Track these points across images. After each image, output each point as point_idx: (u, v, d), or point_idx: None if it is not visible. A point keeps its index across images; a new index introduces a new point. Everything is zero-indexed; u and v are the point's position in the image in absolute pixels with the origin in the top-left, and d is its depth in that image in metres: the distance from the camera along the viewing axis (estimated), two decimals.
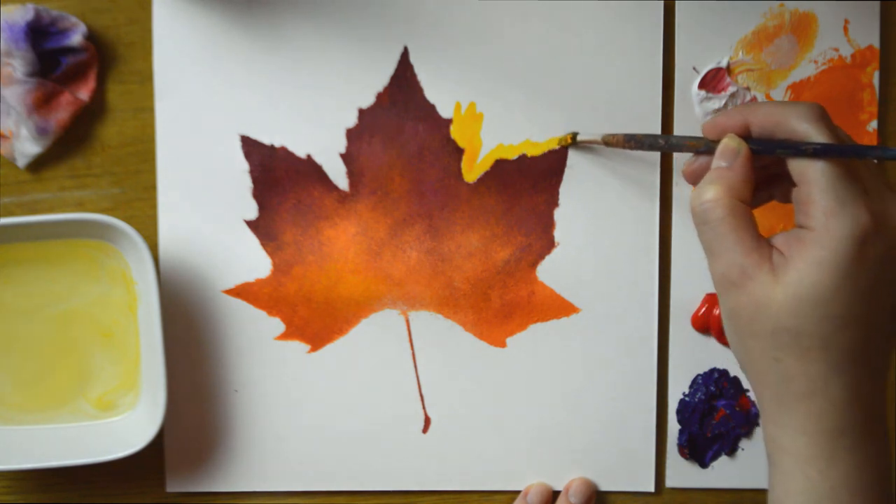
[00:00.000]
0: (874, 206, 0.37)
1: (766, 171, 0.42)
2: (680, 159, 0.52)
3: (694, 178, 0.43)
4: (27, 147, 0.50)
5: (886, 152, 0.37)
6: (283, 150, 0.51)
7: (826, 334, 0.37)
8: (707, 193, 0.39)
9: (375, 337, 0.52)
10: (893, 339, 0.40)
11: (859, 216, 0.37)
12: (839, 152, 0.37)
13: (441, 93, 0.51)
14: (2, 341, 0.51)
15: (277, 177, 0.51)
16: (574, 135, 0.51)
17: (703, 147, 0.42)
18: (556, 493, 0.54)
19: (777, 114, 0.39)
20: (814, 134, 0.38)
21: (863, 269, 0.37)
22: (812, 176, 0.38)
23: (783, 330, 0.38)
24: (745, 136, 0.41)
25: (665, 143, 0.45)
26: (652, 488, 0.54)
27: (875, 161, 0.39)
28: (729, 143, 0.40)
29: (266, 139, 0.51)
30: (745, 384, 0.53)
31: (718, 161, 0.40)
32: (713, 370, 0.53)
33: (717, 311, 0.52)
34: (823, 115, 0.39)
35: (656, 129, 0.52)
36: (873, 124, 0.52)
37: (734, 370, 0.53)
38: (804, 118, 0.39)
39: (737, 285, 0.38)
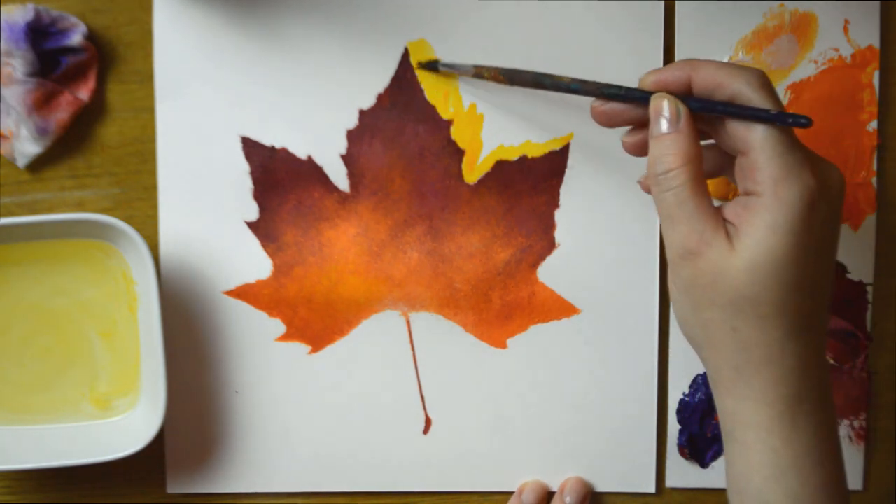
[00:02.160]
0: (816, 172, 0.38)
1: (708, 142, 0.42)
2: None
3: (603, 118, 0.43)
4: (27, 147, 0.50)
5: (799, 120, 0.37)
6: (284, 151, 0.51)
7: (782, 300, 0.38)
8: (667, 160, 0.39)
9: (376, 338, 0.52)
10: (830, 304, 0.41)
11: (807, 181, 0.37)
12: (782, 119, 0.37)
13: (441, 93, 0.51)
14: (1, 341, 0.51)
15: (278, 178, 0.51)
16: (434, 61, 0.50)
17: (612, 92, 0.42)
18: (553, 494, 0.54)
19: (720, 75, 0.39)
20: (757, 101, 0.38)
21: (811, 233, 0.38)
22: (757, 143, 0.38)
23: (742, 298, 0.38)
24: (685, 93, 0.40)
25: (550, 83, 0.44)
26: (652, 489, 0.54)
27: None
28: (666, 106, 0.40)
29: (267, 140, 0.51)
30: None
31: (661, 127, 0.40)
32: None
33: None
34: (767, 83, 0.39)
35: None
36: (873, 124, 0.52)
37: None
38: (747, 83, 0.38)
39: (695, 253, 0.38)
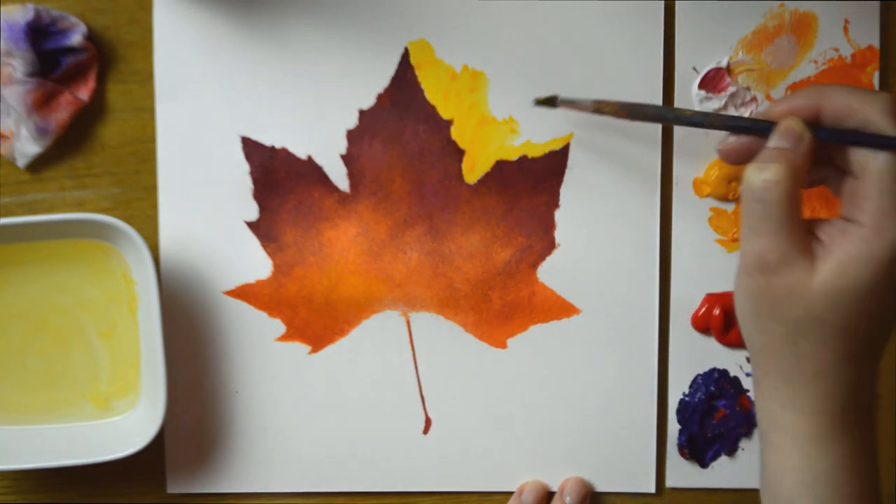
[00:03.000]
0: None
1: (823, 155, 0.42)
2: (680, 158, 0.52)
3: (732, 157, 0.42)
4: (27, 147, 0.50)
5: None
6: (284, 151, 0.51)
7: (849, 326, 0.38)
8: (769, 172, 0.39)
9: (376, 338, 0.52)
10: (893, 333, 0.41)
11: None
12: None
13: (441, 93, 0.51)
14: (1, 341, 0.51)
15: (278, 178, 0.51)
16: (553, 97, 0.49)
17: (738, 125, 0.41)
18: (553, 494, 0.54)
19: (853, 101, 0.39)
20: (888, 128, 0.38)
21: None
22: (873, 171, 0.38)
23: (810, 318, 0.38)
24: (814, 120, 0.40)
25: (673, 117, 0.44)
26: (652, 489, 0.54)
27: None
28: (794, 126, 0.40)
29: (267, 140, 0.51)
30: (746, 384, 0.53)
31: (781, 141, 0.40)
32: (713, 370, 0.53)
33: (717, 312, 0.52)
34: None
35: (656, 129, 0.52)
36: None
37: (734, 370, 0.53)
38: (881, 111, 0.38)
39: (772, 269, 0.38)
